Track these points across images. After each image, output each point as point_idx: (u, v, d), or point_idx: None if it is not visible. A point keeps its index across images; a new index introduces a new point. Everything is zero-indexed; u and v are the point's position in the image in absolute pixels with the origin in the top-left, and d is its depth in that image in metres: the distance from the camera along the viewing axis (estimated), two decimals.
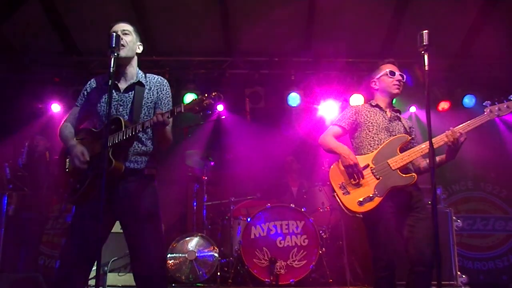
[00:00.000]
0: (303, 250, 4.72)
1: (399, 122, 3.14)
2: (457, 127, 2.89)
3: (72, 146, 2.58)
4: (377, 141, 3.01)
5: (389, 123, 3.08)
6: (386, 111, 3.14)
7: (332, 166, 3.06)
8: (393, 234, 2.85)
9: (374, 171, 2.92)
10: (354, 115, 3.13)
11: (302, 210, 4.96)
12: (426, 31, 2.55)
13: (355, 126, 3.13)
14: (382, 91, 3.18)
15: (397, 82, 3.12)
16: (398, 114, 3.20)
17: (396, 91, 3.13)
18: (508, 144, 6.44)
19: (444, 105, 6.65)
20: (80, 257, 2.43)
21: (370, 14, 6.17)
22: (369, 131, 3.06)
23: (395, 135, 3.04)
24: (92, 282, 3.88)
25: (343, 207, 2.92)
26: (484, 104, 2.95)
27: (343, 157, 2.96)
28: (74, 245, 2.46)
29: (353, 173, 2.91)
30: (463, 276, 4.67)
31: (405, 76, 3.16)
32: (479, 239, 6.66)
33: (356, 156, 2.98)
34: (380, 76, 3.18)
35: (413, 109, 6.74)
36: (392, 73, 3.13)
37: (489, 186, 6.89)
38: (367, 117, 3.10)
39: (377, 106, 3.16)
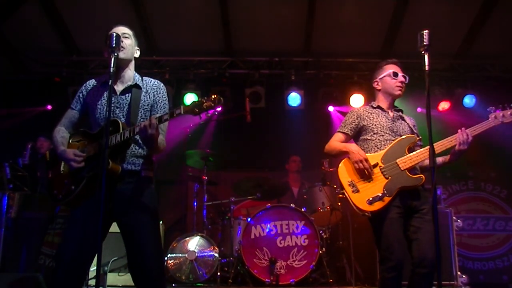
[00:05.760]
0: (303, 250, 4.71)
1: (403, 122, 3.12)
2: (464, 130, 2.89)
3: (63, 151, 2.56)
4: (383, 142, 3.00)
5: (393, 123, 3.07)
6: (388, 112, 3.13)
7: (340, 164, 3.03)
8: (401, 234, 2.84)
9: (383, 170, 2.91)
10: (356, 119, 3.11)
11: (302, 210, 4.96)
12: (426, 31, 2.54)
13: (358, 130, 3.11)
14: (385, 92, 3.16)
15: (400, 84, 3.10)
16: (400, 113, 3.19)
17: (399, 92, 3.11)
18: (508, 144, 6.43)
19: (444, 105, 6.65)
20: (76, 258, 2.42)
21: (370, 14, 6.17)
22: (374, 133, 3.04)
23: (400, 134, 3.03)
24: (92, 282, 3.89)
25: (353, 205, 2.90)
26: (488, 110, 2.93)
27: (352, 153, 2.94)
28: (70, 246, 2.45)
29: (363, 168, 2.89)
30: (463, 276, 4.66)
31: (407, 77, 3.14)
32: (479, 239, 6.65)
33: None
34: (383, 77, 3.15)
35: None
36: (396, 74, 3.10)
37: (489, 186, 6.89)
38: (370, 119, 3.08)
39: (378, 107, 3.15)
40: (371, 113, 3.11)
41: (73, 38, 6.50)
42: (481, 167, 6.85)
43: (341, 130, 3.14)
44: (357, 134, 3.13)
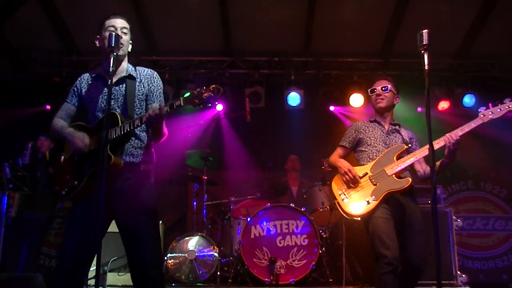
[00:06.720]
0: (303, 250, 4.71)
1: (398, 135, 3.31)
2: (451, 132, 2.97)
3: (71, 131, 2.56)
4: (375, 153, 3.23)
5: (387, 136, 3.28)
6: (384, 125, 3.33)
7: (334, 178, 3.32)
8: (393, 232, 2.97)
9: (371, 178, 3.14)
10: (354, 133, 3.36)
11: (302, 209, 4.96)
12: (426, 30, 2.55)
13: (356, 143, 3.35)
14: (373, 108, 3.42)
15: (376, 97, 3.33)
16: (397, 127, 3.36)
17: (379, 105, 3.33)
18: (508, 144, 6.43)
19: (444, 105, 6.65)
20: (79, 255, 2.42)
21: (370, 14, 6.17)
22: (368, 145, 3.28)
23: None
24: (92, 282, 3.88)
25: (343, 212, 3.16)
26: (479, 110, 3.00)
27: (339, 168, 3.24)
28: (73, 242, 2.45)
29: (349, 180, 3.14)
30: (463, 275, 4.66)
31: (389, 87, 3.29)
32: (479, 238, 6.65)
33: (357, 167, 3.22)
34: (370, 97, 3.42)
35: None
36: (372, 91, 3.35)
37: (489, 186, 6.89)
38: (366, 132, 3.32)
39: (375, 121, 3.37)
40: (368, 127, 3.35)
41: (73, 38, 6.50)
42: (481, 167, 6.85)
43: (340, 144, 3.42)
44: (355, 146, 3.38)
